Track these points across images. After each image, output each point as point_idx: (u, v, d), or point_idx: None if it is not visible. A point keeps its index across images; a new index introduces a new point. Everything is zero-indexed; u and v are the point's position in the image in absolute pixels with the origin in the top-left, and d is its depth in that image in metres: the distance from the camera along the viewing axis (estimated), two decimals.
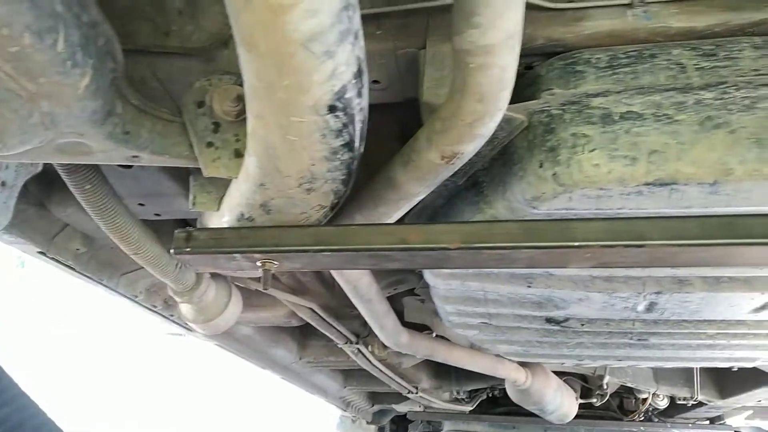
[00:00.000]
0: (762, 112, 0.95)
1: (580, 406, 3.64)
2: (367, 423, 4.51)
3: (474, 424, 4.25)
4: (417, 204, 1.37)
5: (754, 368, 2.60)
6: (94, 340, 11.93)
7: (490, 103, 0.82)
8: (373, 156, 1.15)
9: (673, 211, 1.02)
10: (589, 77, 1.04)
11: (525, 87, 1.12)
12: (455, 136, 0.88)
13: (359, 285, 1.58)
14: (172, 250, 1.02)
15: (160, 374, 11.38)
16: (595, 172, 0.98)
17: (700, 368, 3.30)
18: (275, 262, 1.02)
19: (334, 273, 1.50)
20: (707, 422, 3.93)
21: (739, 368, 2.56)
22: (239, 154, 0.95)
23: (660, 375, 3.36)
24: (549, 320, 1.70)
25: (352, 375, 3.58)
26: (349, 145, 0.81)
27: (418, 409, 4.09)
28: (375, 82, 1.20)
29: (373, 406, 4.31)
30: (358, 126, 0.80)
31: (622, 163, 0.97)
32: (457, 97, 0.83)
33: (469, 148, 0.91)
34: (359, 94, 0.76)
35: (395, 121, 1.35)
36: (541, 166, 1.03)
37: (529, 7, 1.08)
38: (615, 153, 0.97)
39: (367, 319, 1.85)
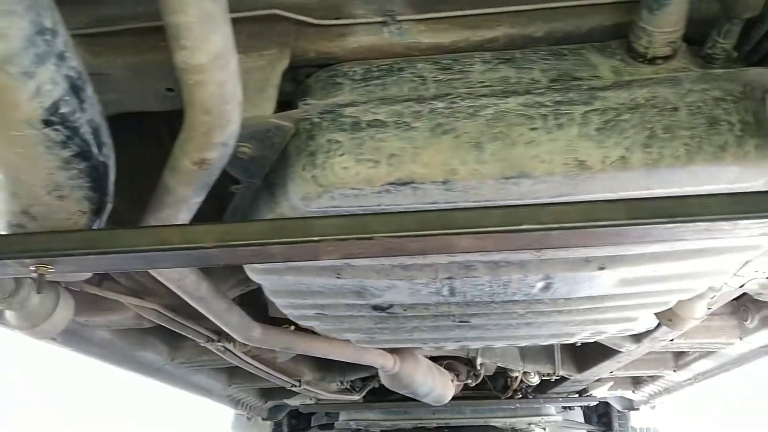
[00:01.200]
0: (482, 119, 1.10)
1: (465, 387, 3.85)
2: (263, 419, 4.55)
3: (366, 413, 4.40)
4: (230, 204, 1.45)
5: (600, 344, 2.87)
6: None
7: (216, 116, 0.91)
8: None
9: (422, 206, 1.15)
10: (345, 88, 1.15)
11: (299, 95, 1.23)
12: (197, 144, 0.96)
13: (184, 284, 1.63)
14: None
15: None
16: (345, 174, 1.10)
17: (561, 346, 3.59)
18: (50, 267, 1.07)
19: (153, 272, 1.55)
20: (576, 395, 4.28)
21: (590, 344, 2.78)
22: None
23: (526, 354, 3.61)
24: (375, 308, 1.82)
25: (236, 373, 3.55)
26: (82, 155, 0.88)
27: (309, 402, 4.16)
28: (169, 90, 1.26)
29: (266, 402, 4.34)
30: (88, 137, 0.87)
31: (366, 166, 1.09)
32: (189, 111, 0.91)
33: (214, 155, 0.99)
34: (81, 109, 0.83)
35: None
36: (304, 169, 1.13)
37: (299, 23, 1.19)
38: (361, 157, 1.09)
39: (208, 317, 1.90)
